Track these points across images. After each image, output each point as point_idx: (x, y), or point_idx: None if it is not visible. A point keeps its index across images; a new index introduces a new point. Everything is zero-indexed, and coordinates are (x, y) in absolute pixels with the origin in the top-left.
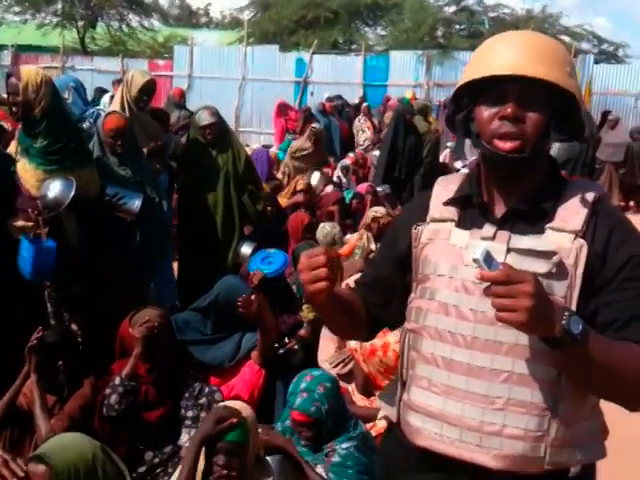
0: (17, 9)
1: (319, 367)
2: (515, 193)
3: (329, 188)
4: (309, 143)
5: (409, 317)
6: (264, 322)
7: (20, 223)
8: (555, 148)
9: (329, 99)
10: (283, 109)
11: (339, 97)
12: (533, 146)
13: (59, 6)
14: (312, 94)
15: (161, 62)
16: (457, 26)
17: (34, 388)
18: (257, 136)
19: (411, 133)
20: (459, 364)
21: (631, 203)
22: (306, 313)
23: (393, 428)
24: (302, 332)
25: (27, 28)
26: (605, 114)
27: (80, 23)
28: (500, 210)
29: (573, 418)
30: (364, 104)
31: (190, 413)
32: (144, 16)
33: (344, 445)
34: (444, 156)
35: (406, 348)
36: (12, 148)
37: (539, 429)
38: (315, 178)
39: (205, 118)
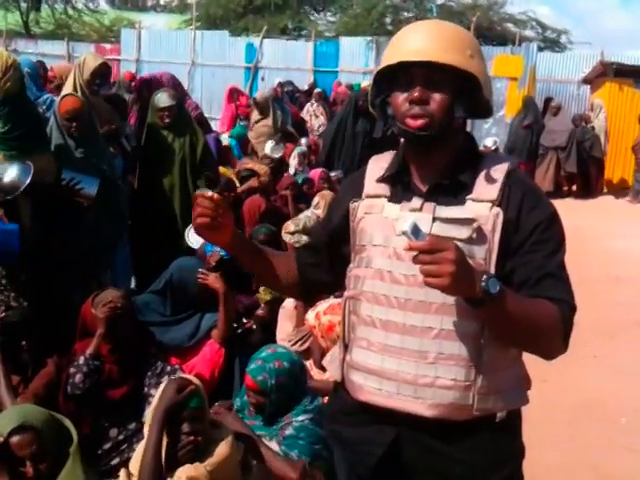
0: None
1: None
2: (435, 168)
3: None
4: None
5: (349, 285)
6: (226, 301)
7: None
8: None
9: (280, 84)
10: (234, 94)
11: (290, 83)
12: (440, 123)
13: None
14: (263, 79)
15: (108, 46)
16: (405, 13)
17: None
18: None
19: (364, 117)
20: (394, 324)
21: (573, 187)
22: (263, 295)
23: (338, 388)
24: (259, 312)
25: None
26: (547, 101)
27: (23, 5)
28: (425, 184)
29: (496, 367)
30: (317, 90)
31: (153, 391)
32: None
33: (299, 418)
34: None
35: (347, 313)
36: None
37: (467, 379)
38: (268, 147)
39: (164, 100)
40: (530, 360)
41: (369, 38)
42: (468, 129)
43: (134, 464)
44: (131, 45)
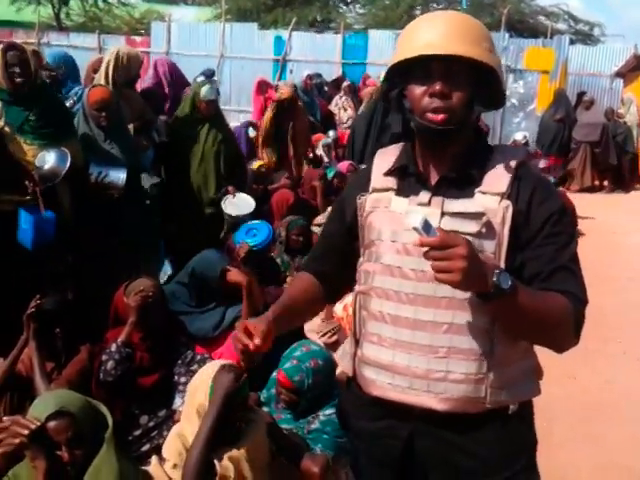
0: None
1: (305, 337)
2: (445, 161)
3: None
4: None
5: (359, 280)
6: (251, 293)
7: (15, 197)
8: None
9: (309, 77)
10: (263, 87)
11: (319, 75)
12: (459, 118)
13: None
14: (291, 72)
15: (138, 39)
16: (435, 5)
17: (33, 354)
18: (236, 114)
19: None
20: (405, 319)
21: (605, 182)
22: None
23: (350, 382)
24: None
25: (1, 3)
26: (580, 95)
27: None
28: (434, 178)
29: (508, 360)
30: (345, 82)
31: (183, 379)
32: None
33: (327, 412)
34: None
35: (358, 308)
36: None
37: (479, 372)
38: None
39: (212, 93)
40: (558, 357)
41: (398, 31)
42: (498, 123)
43: (167, 449)
44: (161, 38)
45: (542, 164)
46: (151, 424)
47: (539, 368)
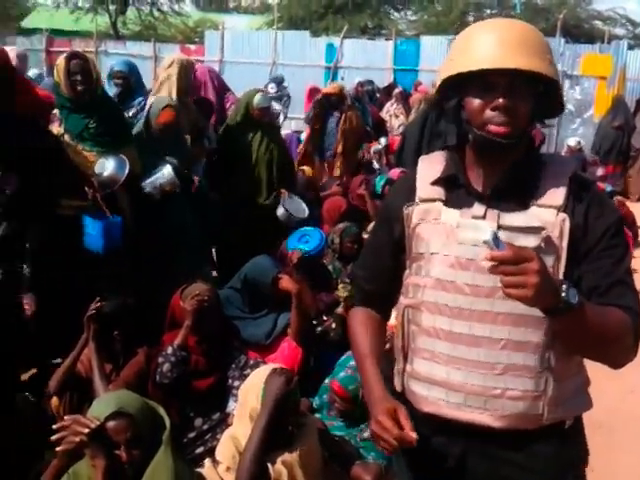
0: None
1: None
2: (498, 173)
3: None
4: None
5: (406, 293)
6: (303, 300)
7: (75, 202)
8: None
9: (360, 84)
10: (315, 94)
11: (370, 82)
12: (521, 131)
13: None
14: (342, 79)
15: (192, 47)
16: (488, 10)
17: (92, 356)
18: (287, 121)
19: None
20: (459, 335)
21: None
22: (342, 292)
23: (397, 398)
24: (339, 310)
25: (60, 13)
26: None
27: (112, 7)
28: (485, 189)
29: (564, 375)
30: (397, 89)
31: (237, 383)
32: (175, 1)
33: None
34: None
35: (406, 323)
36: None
37: (537, 389)
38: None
39: (265, 101)
40: (617, 372)
41: (451, 37)
42: (554, 129)
43: (221, 452)
44: (215, 46)
45: (600, 172)
46: (205, 427)
47: (588, 379)
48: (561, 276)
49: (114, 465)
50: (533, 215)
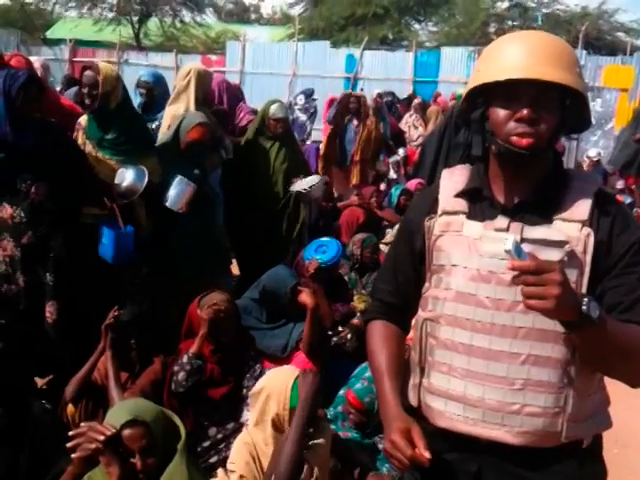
0: (74, 4)
1: None
2: (523, 185)
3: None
4: None
5: (425, 306)
6: (315, 317)
7: (94, 210)
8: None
9: (379, 95)
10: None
11: (392, 94)
12: (545, 143)
13: (114, 1)
14: (362, 90)
15: (214, 57)
16: (510, 22)
17: (109, 364)
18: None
19: (466, 128)
20: (478, 349)
21: None
22: (358, 303)
23: (411, 412)
24: (355, 321)
25: (83, 23)
26: None
27: (135, 18)
28: (509, 202)
29: (585, 392)
30: (416, 100)
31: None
32: (197, 12)
33: None
34: None
35: (423, 336)
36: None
37: (556, 405)
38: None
39: (280, 111)
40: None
41: (471, 48)
42: (574, 142)
43: (234, 460)
44: (236, 57)
45: (620, 185)
46: (219, 436)
47: (608, 398)
48: (584, 291)
49: (128, 473)
50: (557, 229)
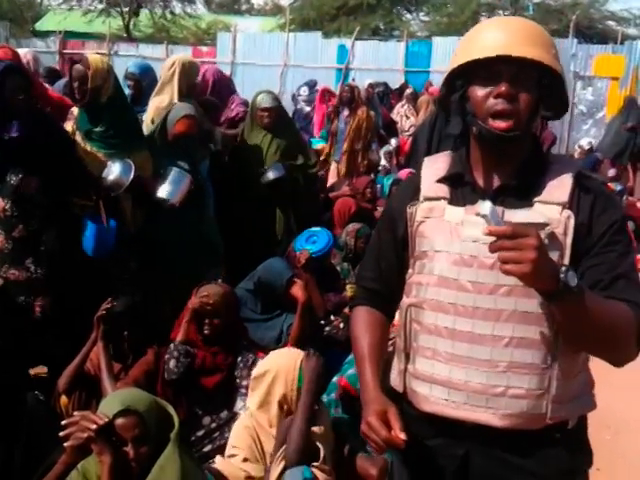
0: None
1: None
2: (503, 170)
3: None
4: None
5: (409, 292)
6: (305, 311)
7: (83, 201)
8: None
9: (370, 85)
10: (326, 95)
11: (384, 84)
12: (524, 125)
13: None
14: (354, 80)
15: (205, 49)
16: (501, 12)
17: (101, 355)
18: None
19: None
20: (462, 333)
21: None
22: (350, 292)
23: (397, 398)
24: (347, 310)
25: (73, 15)
26: None
27: (125, 10)
28: (490, 186)
29: (569, 374)
30: (408, 90)
31: (245, 382)
32: (187, 3)
33: None
34: None
35: (408, 322)
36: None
37: (540, 387)
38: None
39: (266, 101)
40: (630, 376)
41: (462, 38)
42: (566, 130)
43: (236, 443)
44: (227, 48)
45: (611, 173)
46: (213, 425)
47: (592, 380)
48: None
49: (120, 461)
50: (537, 212)
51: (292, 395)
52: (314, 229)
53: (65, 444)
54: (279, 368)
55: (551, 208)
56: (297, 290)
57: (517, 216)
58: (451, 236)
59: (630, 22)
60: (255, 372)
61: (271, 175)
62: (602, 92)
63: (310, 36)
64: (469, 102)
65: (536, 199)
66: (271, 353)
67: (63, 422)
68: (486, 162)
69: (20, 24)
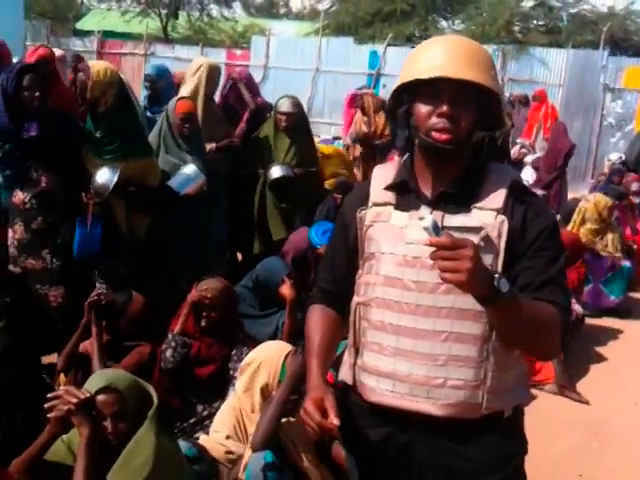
0: None
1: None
2: (444, 178)
3: None
4: None
5: (358, 292)
6: (294, 309)
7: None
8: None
9: None
10: (355, 100)
11: None
12: (463, 139)
13: None
14: (384, 86)
15: (239, 52)
16: (535, 22)
17: (93, 340)
18: (328, 127)
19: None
20: (406, 329)
21: None
22: None
23: (348, 392)
24: None
25: (111, 15)
26: None
27: (163, 12)
28: (432, 193)
29: (503, 367)
30: None
31: (237, 374)
32: (225, 6)
33: None
34: (514, 151)
35: (357, 319)
36: None
37: (476, 379)
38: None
39: (286, 106)
40: (623, 384)
41: (494, 46)
42: (594, 142)
43: (221, 421)
44: (261, 51)
45: (635, 187)
46: (205, 413)
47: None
48: None
49: (99, 435)
50: (474, 217)
51: (274, 385)
52: (327, 224)
53: (49, 415)
54: (265, 359)
55: (487, 213)
56: (285, 289)
57: (456, 221)
58: (396, 239)
59: None
60: (245, 359)
61: (276, 173)
62: (632, 105)
63: (342, 41)
64: (413, 117)
65: (473, 205)
66: (262, 344)
67: (48, 395)
68: (428, 171)
69: (62, 22)
